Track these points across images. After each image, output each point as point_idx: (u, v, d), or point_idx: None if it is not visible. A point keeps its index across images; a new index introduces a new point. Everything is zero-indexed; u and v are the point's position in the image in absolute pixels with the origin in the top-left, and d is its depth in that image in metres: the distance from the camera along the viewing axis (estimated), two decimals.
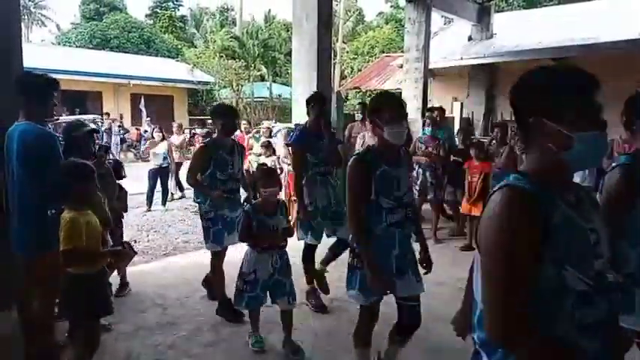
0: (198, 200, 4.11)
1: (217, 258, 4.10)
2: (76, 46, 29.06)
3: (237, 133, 11.39)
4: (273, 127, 10.07)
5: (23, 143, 2.86)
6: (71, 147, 3.31)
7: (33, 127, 2.90)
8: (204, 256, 5.71)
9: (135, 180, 9.61)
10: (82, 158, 2.92)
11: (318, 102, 4.32)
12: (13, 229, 3.00)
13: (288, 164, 7.02)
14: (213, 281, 4.21)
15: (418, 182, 6.29)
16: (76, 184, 2.59)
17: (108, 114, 20.19)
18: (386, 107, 2.66)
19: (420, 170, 6.29)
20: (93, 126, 4.10)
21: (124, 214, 4.60)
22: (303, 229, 4.17)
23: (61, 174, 2.64)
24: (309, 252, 4.26)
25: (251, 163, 8.18)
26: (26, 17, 37.27)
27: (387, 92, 3.15)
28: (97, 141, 3.92)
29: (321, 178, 4.17)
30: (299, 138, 4.28)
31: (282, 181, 7.28)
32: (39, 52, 19.71)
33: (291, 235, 3.49)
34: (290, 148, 4.20)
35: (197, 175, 3.98)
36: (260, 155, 7.99)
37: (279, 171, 7.16)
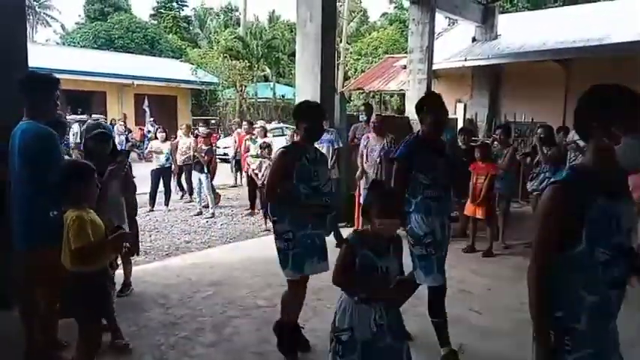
0: (275, 218, 3.36)
1: (295, 287, 3.37)
2: (81, 46, 29.15)
3: (239, 130, 11.44)
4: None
5: (23, 141, 2.90)
6: (91, 150, 3.45)
7: (33, 126, 2.92)
8: (207, 257, 5.75)
9: (137, 180, 9.65)
10: (100, 161, 2.99)
11: (435, 104, 3.34)
12: (14, 226, 3.01)
13: None
14: (285, 321, 3.43)
15: None
16: (74, 184, 2.60)
17: (114, 119, 20.20)
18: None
19: None
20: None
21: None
22: (423, 269, 3.38)
23: (60, 174, 2.66)
24: (436, 298, 3.45)
25: (249, 165, 8.16)
26: (31, 17, 37.40)
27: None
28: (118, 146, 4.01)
29: (435, 204, 3.28)
30: (408, 151, 3.35)
31: None
32: (43, 52, 19.76)
33: (408, 289, 2.86)
34: (395, 163, 3.39)
35: (278, 188, 3.24)
36: (258, 157, 7.92)
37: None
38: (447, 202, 3.46)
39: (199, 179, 8.42)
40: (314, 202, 3.23)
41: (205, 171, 8.26)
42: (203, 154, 8.32)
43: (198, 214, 8.40)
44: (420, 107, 3.35)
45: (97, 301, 2.66)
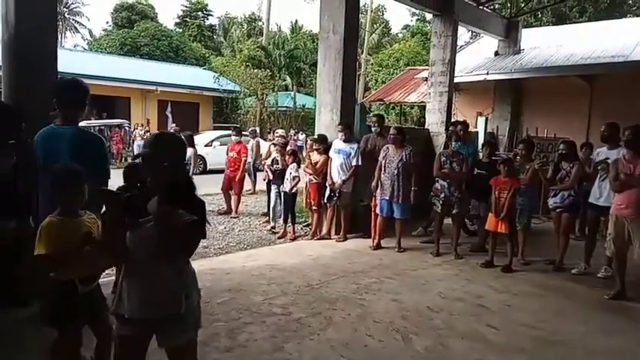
0: None
1: None
2: (107, 53, 29.82)
3: (258, 139, 11.50)
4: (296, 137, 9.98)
5: (79, 147, 3.06)
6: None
7: (85, 133, 3.15)
8: (224, 263, 5.79)
9: (199, 182, 9.76)
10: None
11: None
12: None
13: (310, 174, 7.06)
14: None
15: (442, 196, 6.24)
16: (55, 189, 2.61)
17: (137, 124, 20.54)
18: None
19: (445, 184, 6.23)
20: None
21: None
22: None
23: (50, 178, 2.66)
24: None
25: (268, 173, 8.13)
26: (60, 23, 38.42)
27: None
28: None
29: None
30: None
31: (303, 190, 7.34)
32: (71, 57, 20.29)
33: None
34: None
35: None
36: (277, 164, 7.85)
37: (296, 179, 7.19)
38: None
39: (278, 192, 7.68)
40: None
41: (282, 182, 7.52)
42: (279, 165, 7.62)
43: (271, 229, 7.80)
44: None
45: (79, 311, 2.62)
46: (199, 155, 14.11)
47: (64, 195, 2.58)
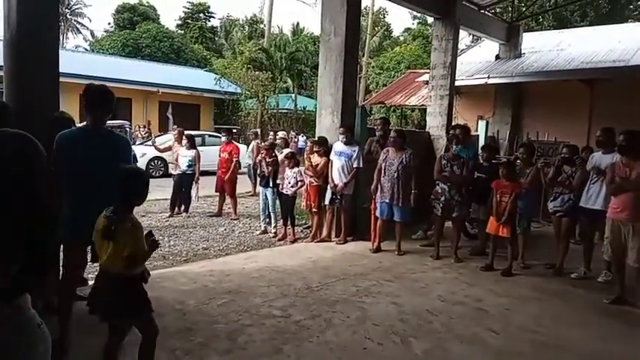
0: None
1: None
2: (109, 54, 29.87)
3: (258, 141, 11.50)
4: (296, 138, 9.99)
5: (120, 148, 3.49)
6: None
7: (117, 135, 3.60)
8: (224, 265, 5.80)
9: (159, 185, 9.80)
10: None
11: None
12: (79, 218, 3.12)
13: (310, 176, 7.06)
14: None
15: (442, 199, 6.23)
16: (137, 186, 2.81)
17: (138, 125, 20.52)
18: None
19: (445, 187, 6.22)
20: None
21: None
22: None
23: (129, 176, 2.85)
24: None
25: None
26: (62, 24, 38.51)
27: None
28: None
29: None
30: None
31: (303, 192, 7.34)
32: (73, 58, 20.32)
33: None
34: None
35: None
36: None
37: (300, 183, 7.21)
38: None
39: (265, 195, 7.72)
40: None
41: (271, 185, 7.56)
42: (267, 167, 7.56)
43: (263, 233, 7.80)
44: None
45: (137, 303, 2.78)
46: (159, 157, 13.89)
47: (124, 191, 2.75)
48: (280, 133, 11.08)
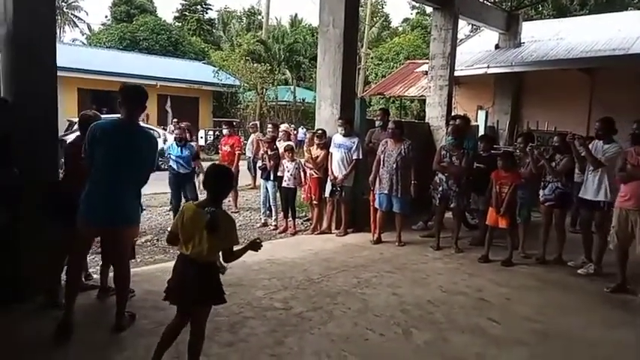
0: None
1: None
2: (107, 47, 29.72)
3: (258, 134, 11.46)
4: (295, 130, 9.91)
5: (150, 142, 3.70)
6: None
7: (147, 130, 3.91)
8: None
9: (159, 179, 9.76)
10: None
11: None
12: (114, 206, 3.46)
13: (311, 168, 7.05)
14: None
15: (439, 190, 6.23)
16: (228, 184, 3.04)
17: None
18: None
19: (443, 178, 6.22)
20: None
21: None
22: None
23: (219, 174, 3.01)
24: None
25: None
26: (59, 18, 38.29)
27: None
28: None
29: None
30: None
31: (304, 185, 7.33)
32: (70, 52, 20.20)
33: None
34: None
35: None
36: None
37: (302, 175, 7.20)
38: None
39: (266, 188, 7.70)
40: None
41: (272, 178, 7.54)
42: (269, 160, 7.52)
43: (263, 226, 7.82)
44: None
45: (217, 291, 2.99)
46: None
47: (215, 187, 2.92)
48: (283, 126, 10.99)
